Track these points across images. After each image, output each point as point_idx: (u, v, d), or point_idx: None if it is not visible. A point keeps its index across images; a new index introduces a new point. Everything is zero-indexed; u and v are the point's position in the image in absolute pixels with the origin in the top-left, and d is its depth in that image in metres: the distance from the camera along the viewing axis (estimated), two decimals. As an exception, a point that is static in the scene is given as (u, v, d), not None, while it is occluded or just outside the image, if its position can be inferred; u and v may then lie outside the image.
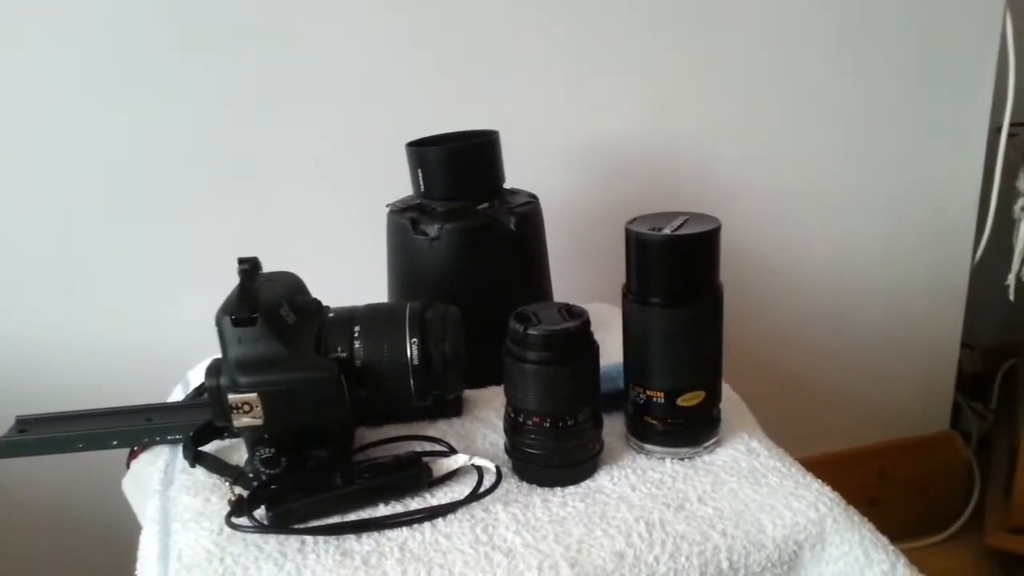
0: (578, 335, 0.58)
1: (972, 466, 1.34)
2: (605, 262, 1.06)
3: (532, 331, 0.57)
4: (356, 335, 0.59)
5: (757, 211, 1.11)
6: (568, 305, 0.61)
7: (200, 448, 0.64)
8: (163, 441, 0.69)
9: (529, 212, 0.77)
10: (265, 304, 0.57)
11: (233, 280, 0.97)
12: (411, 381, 0.59)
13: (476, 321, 0.64)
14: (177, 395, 0.84)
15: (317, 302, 0.62)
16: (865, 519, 0.58)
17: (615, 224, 1.06)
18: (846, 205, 1.14)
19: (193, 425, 0.66)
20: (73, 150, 0.89)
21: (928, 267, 1.21)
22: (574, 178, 1.03)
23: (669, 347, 0.60)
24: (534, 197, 0.80)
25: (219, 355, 0.58)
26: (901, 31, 1.07)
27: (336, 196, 0.97)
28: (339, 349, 0.58)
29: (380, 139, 0.95)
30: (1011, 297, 1.13)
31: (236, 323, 0.56)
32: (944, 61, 1.10)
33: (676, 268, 0.60)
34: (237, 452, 0.66)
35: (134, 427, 0.69)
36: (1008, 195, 1.16)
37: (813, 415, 1.24)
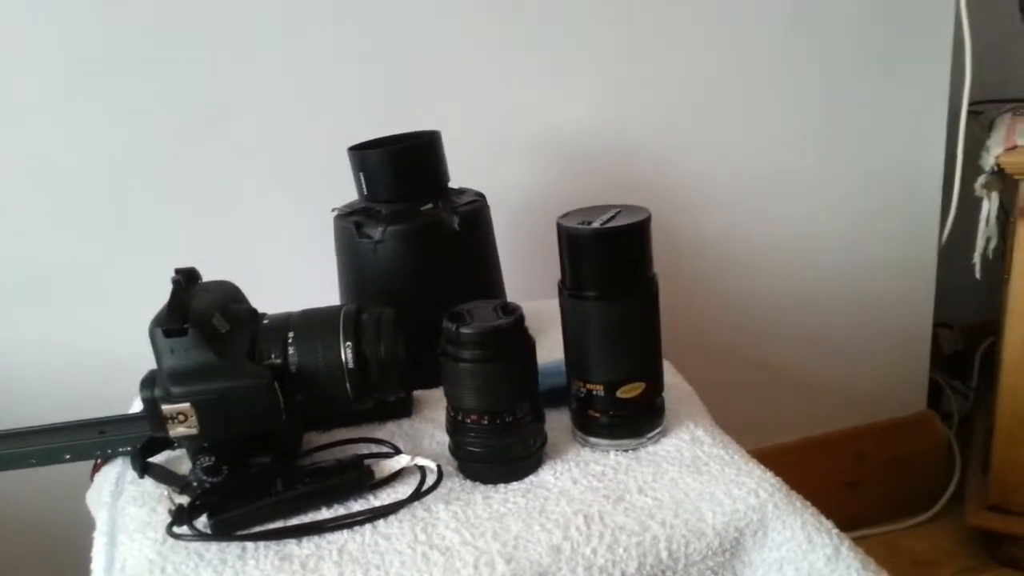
0: (511, 331, 0.58)
1: (952, 446, 1.33)
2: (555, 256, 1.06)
3: (464, 329, 0.57)
4: (290, 341, 0.59)
5: (721, 200, 1.11)
6: (504, 302, 0.61)
7: (149, 459, 0.65)
8: (116, 454, 0.69)
9: (473, 211, 0.77)
10: (197, 314, 0.57)
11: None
12: (347, 384, 0.59)
13: (423, 322, 0.64)
14: (139, 407, 0.85)
15: (252, 310, 0.62)
16: (808, 504, 0.58)
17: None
18: (812, 190, 1.14)
19: (145, 437, 0.67)
20: (19, 156, 0.89)
21: (897, 248, 1.21)
22: (525, 174, 1.02)
23: (606, 340, 0.60)
24: (481, 195, 0.80)
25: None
26: (858, 12, 1.07)
27: (286, 202, 0.97)
28: (273, 355, 0.58)
29: (328, 144, 0.95)
30: (977, 275, 1.13)
31: (167, 334, 0.56)
32: (902, 42, 1.10)
33: (607, 261, 0.59)
34: (186, 462, 0.66)
35: (87, 441, 0.69)
36: (972, 174, 1.16)
37: (789, 401, 1.24)
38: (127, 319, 0.96)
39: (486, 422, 0.58)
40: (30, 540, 1.02)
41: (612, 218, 0.60)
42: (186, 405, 0.56)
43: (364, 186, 0.76)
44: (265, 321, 0.60)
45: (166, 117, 0.91)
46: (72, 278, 0.94)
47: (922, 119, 1.14)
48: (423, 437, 0.67)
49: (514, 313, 0.59)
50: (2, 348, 0.95)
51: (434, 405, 0.72)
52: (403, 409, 0.70)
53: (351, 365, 0.59)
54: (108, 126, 0.90)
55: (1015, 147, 1.01)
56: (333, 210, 0.79)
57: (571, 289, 0.61)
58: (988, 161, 1.05)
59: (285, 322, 0.60)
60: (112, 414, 0.75)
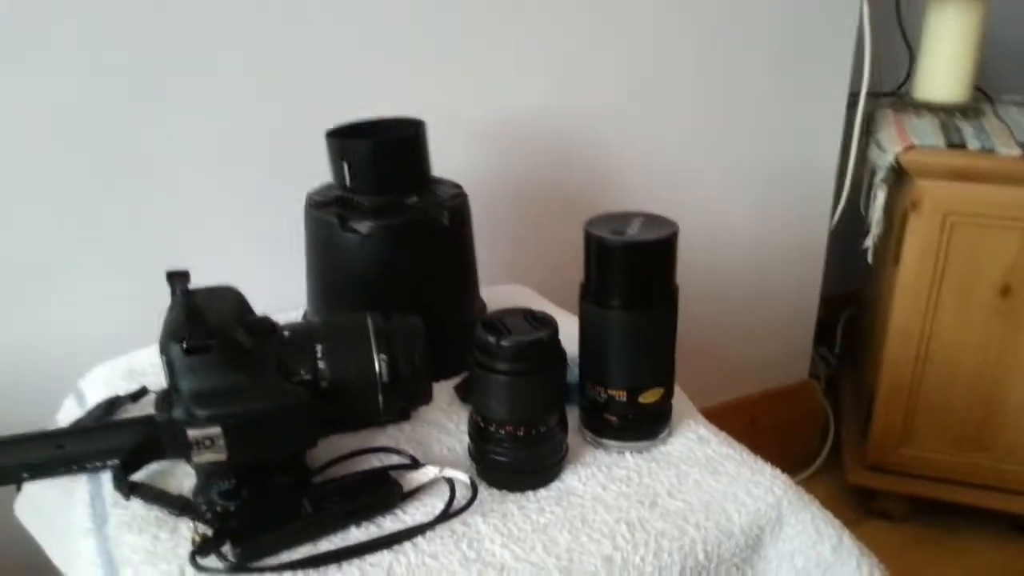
0: (549, 344, 0.58)
1: (827, 412, 1.47)
2: (503, 240, 1.06)
3: (504, 342, 0.56)
4: (319, 355, 0.55)
5: (638, 183, 1.13)
6: (531, 311, 0.60)
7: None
8: (81, 470, 0.62)
9: (460, 205, 0.75)
10: (218, 327, 0.52)
11: (120, 277, 0.89)
12: (380, 397, 0.56)
13: None
14: (70, 409, 0.76)
15: (269, 320, 0.57)
16: (813, 498, 0.63)
17: (514, 200, 1.06)
18: (722, 178, 1.19)
19: (112, 450, 0.61)
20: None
21: (793, 233, 1.30)
22: (474, 158, 1.00)
23: (630, 349, 0.61)
24: (459, 187, 0.78)
25: (156, 385, 0.53)
26: (769, 5, 1.12)
27: (233, 186, 0.90)
28: (302, 371, 0.55)
29: (279, 125, 0.90)
30: (870, 260, 1.24)
31: (189, 351, 0.51)
32: (807, 34, 1.16)
33: (638, 272, 0.60)
34: (171, 477, 0.61)
35: (44, 456, 0.62)
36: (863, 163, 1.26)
37: (697, 372, 1.31)
38: (53, 314, 0.87)
39: (520, 433, 0.58)
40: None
41: (640, 228, 0.60)
42: (215, 430, 0.51)
43: (347, 176, 0.71)
44: (286, 333, 0.56)
45: (95, 91, 0.81)
46: None
47: (822, 110, 1.22)
48: (431, 443, 0.65)
49: (549, 325, 0.58)
50: None
51: (427, 407, 0.70)
52: (402, 412, 0.68)
53: (385, 378, 0.56)
54: (28, 101, 0.79)
55: (912, 147, 1.11)
56: (308, 196, 0.74)
57: (595, 296, 0.61)
58: (884, 158, 1.14)
59: (308, 333, 0.56)
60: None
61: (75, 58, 0.79)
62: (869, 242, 1.23)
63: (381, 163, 0.72)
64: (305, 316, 0.81)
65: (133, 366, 0.78)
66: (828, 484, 1.35)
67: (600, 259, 0.61)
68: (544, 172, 1.06)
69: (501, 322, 0.58)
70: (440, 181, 0.78)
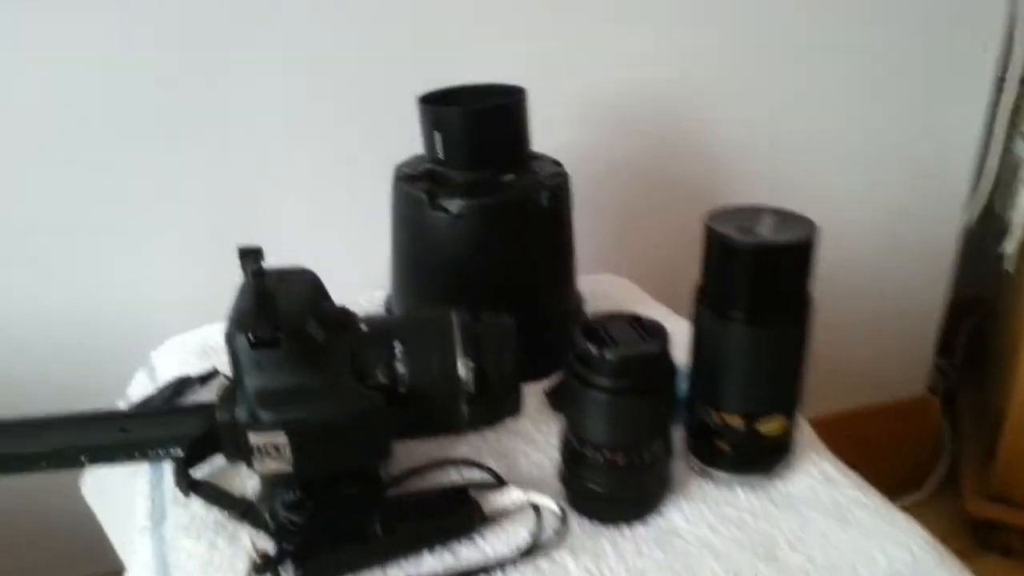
0: (660, 360, 0.50)
1: (945, 430, 1.34)
2: (604, 226, 0.97)
3: (608, 354, 0.49)
4: (398, 355, 0.49)
5: (753, 168, 1.03)
6: (637, 317, 0.52)
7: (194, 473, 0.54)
8: (143, 457, 0.58)
9: (561, 185, 0.68)
10: (288, 318, 0.46)
11: (197, 249, 0.84)
12: (463, 407, 0.50)
13: (501, 308, 0.55)
14: (141, 382, 0.73)
15: (346, 311, 0.51)
16: (954, 557, 0.53)
17: (617, 183, 0.98)
18: (843, 162, 1.07)
19: (177, 438, 0.56)
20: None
21: (920, 228, 1.17)
22: (578, 134, 0.92)
23: (752, 368, 0.53)
24: (559, 165, 0.70)
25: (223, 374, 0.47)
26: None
27: (315, 147, 0.85)
28: (379, 374, 0.48)
29: (370, 85, 0.83)
30: (1008, 267, 1.11)
31: (256, 344, 0.45)
32: (950, 11, 1.03)
33: (769, 280, 0.51)
34: (235, 475, 0.56)
35: (105, 439, 0.57)
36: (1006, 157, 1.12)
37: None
38: (127, 281, 0.84)
39: (620, 461, 0.51)
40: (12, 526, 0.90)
41: (771, 227, 0.52)
42: (280, 436, 0.45)
43: (440, 148, 0.65)
44: (363, 327, 0.50)
45: (170, 41, 0.77)
46: (67, 237, 0.81)
47: (960, 102, 1.09)
48: (517, 456, 0.59)
49: (659, 336, 0.50)
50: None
51: (516, 411, 0.63)
52: (487, 422, 0.61)
53: (471, 387, 0.49)
54: (95, 55, 0.75)
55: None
56: (396, 168, 0.67)
57: (714, 304, 0.53)
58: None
59: (387, 329, 0.50)
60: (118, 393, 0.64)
61: (162, 19, 0.75)
62: (1009, 247, 1.09)
63: (477, 135, 0.64)
64: (388, 299, 0.75)
65: (207, 342, 0.74)
66: (939, 511, 1.23)
67: (723, 262, 0.52)
68: (651, 154, 0.96)
69: (604, 329, 0.51)
70: (539, 157, 0.70)
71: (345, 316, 0.51)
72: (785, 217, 0.53)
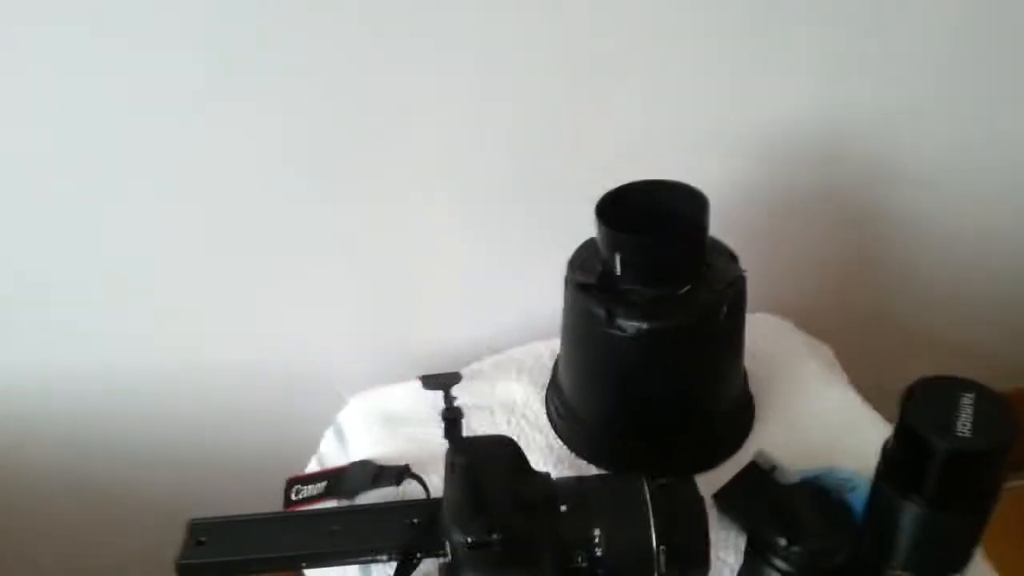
0: (851, 558, 0.52)
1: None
2: (753, 258, 0.94)
3: (796, 548, 0.51)
4: (597, 539, 0.53)
5: (912, 201, 0.97)
6: (823, 490, 0.54)
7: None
8: (353, 562, 0.65)
9: (739, 294, 0.68)
10: (499, 517, 0.51)
11: (360, 289, 0.86)
12: (656, 581, 0.54)
13: (667, 421, 0.57)
14: (330, 444, 0.79)
15: (545, 484, 0.55)
16: None
17: (770, 213, 0.93)
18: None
19: (387, 543, 0.59)
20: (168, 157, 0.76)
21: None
22: (729, 161, 0.87)
23: (923, 546, 0.54)
24: (735, 260, 0.69)
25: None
26: None
27: (482, 219, 0.86)
28: (579, 557, 0.53)
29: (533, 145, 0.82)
30: None
31: (472, 547, 0.50)
32: None
33: (962, 477, 0.52)
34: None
35: (319, 549, 0.63)
36: None
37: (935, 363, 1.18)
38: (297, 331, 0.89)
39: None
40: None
41: (971, 422, 0.51)
42: (491, 626, 0.51)
43: (618, 266, 0.65)
44: (563, 508, 0.54)
45: (329, 112, 0.77)
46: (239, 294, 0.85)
47: None
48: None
49: (848, 525, 0.52)
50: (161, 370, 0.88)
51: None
52: None
53: (663, 567, 0.53)
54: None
55: None
56: (568, 269, 0.69)
57: (896, 487, 0.54)
58: None
59: (586, 509, 0.53)
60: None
61: (318, 62, 0.74)
62: None
63: (658, 259, 0.65)
64: (548, 393, 0.79)
65: (388, 408, 0.78)
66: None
67: (919, 457, 0.52)
68: (807, 181, 0.91)
69: (790, 512, 0.53)
70: (714, 249, 0.69)
71: (544, 496, 0.54)
72: (985, 402, 0.52)
